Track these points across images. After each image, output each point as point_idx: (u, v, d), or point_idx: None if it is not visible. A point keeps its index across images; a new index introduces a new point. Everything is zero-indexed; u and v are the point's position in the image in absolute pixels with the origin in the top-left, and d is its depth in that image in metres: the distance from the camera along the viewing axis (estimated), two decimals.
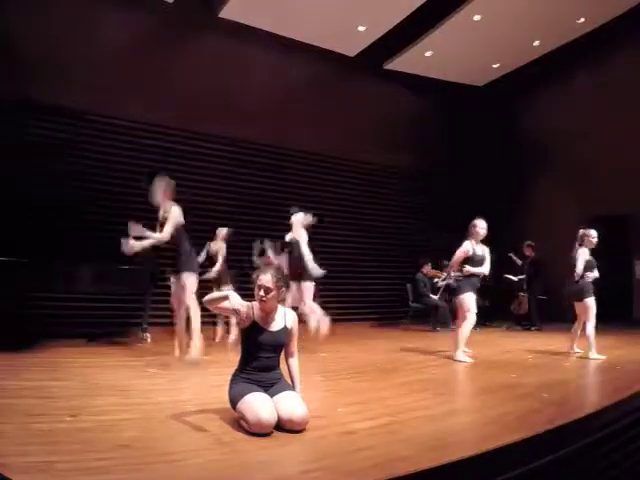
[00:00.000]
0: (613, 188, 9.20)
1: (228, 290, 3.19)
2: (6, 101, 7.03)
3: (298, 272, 5.83)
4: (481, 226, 5.55)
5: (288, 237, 6.13)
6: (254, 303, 2.91)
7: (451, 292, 5.96)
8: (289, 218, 6.19)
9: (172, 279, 4.94)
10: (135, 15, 8.04)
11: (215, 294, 2.93)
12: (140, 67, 8.04)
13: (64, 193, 7.36)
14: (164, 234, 4.63)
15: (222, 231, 6.81)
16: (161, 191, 4.84)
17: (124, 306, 7.19)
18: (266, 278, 2.85)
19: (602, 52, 9.63)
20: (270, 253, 6.21)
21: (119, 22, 7.89)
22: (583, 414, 3.05)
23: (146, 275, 6.44)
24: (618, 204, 9.10)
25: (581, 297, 5.61)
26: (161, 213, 4.85)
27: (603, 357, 5.36)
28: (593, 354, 5.40)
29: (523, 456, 2.54)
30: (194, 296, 4.74)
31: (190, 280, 4.77)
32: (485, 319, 9.14)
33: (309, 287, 5.84)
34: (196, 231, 8.33)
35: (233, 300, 2.79)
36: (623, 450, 3.25)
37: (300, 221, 6.04)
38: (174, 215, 4.71)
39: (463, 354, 5.28)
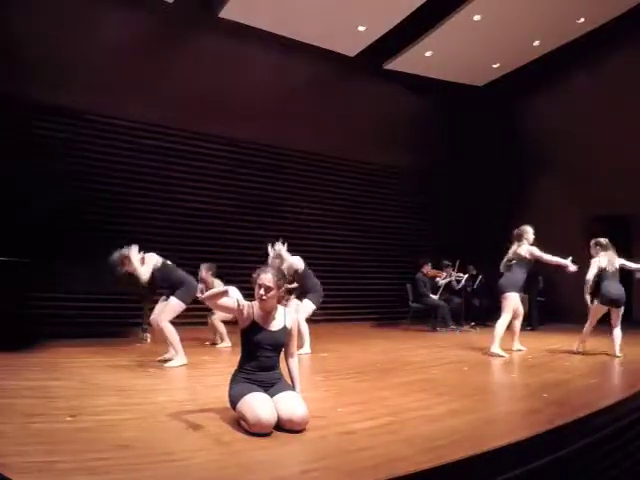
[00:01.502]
0: (613, 188, 9.20)
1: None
2: (6, 101, 7.03)
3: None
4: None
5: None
6: (254, 303, 2.91)
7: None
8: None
9: (162, 299, 5.01)
10: (135, 15, 8.04)
11: (215, 290, 2.92)
12: (140, 67, 8.03)
13: (64, 193, 7.36)
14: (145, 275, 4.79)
15: (203, 268, 6.47)
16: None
17: (124, 306, 7.19)
18: (267, 277, 2.85)
19: (602, 52, 9.63)
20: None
21: (119, 22, 7.89)
22: (583, 414, 3.05)
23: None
24: (618, 204, 9.10)
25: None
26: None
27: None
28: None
29: (523, 456, 2.54)
30: (167, 320, 4.76)
31: (176, 306, 4.80)
32: (485, 319, 9.15)
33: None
34: (196, 231, 8.42)
35: (233, 294, 2.79)
36: (623, 450, 3.25)
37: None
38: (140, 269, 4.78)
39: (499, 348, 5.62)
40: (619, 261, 5.78)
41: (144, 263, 4.82)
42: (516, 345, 6.02)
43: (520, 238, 5.91)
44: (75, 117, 7.66)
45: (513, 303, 5.75)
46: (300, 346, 5.28)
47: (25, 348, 5.10)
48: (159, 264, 4.91)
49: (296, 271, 5.73)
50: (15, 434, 2.49)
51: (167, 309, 4.80)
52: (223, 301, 2.87)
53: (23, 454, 2.21)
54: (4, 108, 7.05)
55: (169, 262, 5.04)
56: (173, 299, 4.82)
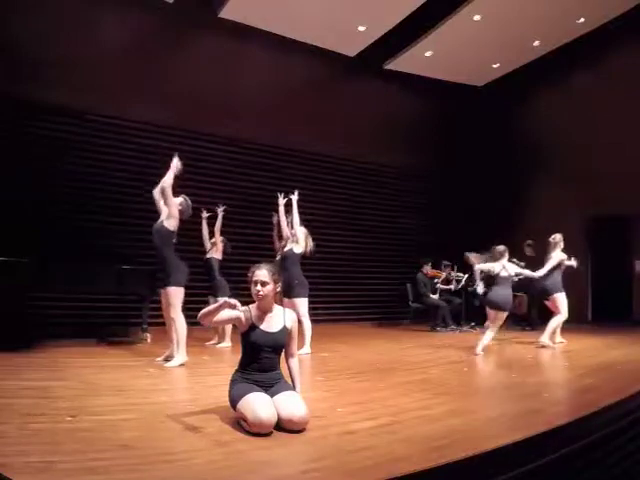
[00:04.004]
0: (613, 188, 9.19)
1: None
2: (6, 101, 7.03)
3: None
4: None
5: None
6: (251, 306, 2.91)
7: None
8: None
9: (161, 291, 4.97)
10: (135, 15, 8.03)
11: (208, 307, 2.86)
12: (140, 67, 8.03)
13: (64, 193, 7.36)
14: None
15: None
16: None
17: (124, 306, 7.19)
18: (262, 273, 2.86)
19: (602, 52, 9.63)
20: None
21: (119, 22, 7.89)
22: (583, 414, 3.05)
23: (146, 275, 6.43)
24: (618, 204, 9.09)
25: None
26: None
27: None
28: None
29: (523, 456, 2.54)
30: (179, 310, 4.73)
31: (176, 296, 4.74)
32: (485, 319, 9.12)
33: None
34: (195, 231, 8.40)
35: (229, 301, 2.78)
36: (623, 450, 3.25)
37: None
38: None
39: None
40: (513, 268, 5.98)
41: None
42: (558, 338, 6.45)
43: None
44: (75, 117, 7.66)
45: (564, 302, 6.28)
46: (300, 346, 5.28)
47: (25, 348, 5.10)
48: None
49: (283, 257, 5.86)
50: (15, 434, 2.49)
51: (172, 302, 4.72)
52: (220, 316, 2.84)
53: (23, 454, 2.20)
54: (4, 108, 7.05)
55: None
56: (171, 288, 4.73)
